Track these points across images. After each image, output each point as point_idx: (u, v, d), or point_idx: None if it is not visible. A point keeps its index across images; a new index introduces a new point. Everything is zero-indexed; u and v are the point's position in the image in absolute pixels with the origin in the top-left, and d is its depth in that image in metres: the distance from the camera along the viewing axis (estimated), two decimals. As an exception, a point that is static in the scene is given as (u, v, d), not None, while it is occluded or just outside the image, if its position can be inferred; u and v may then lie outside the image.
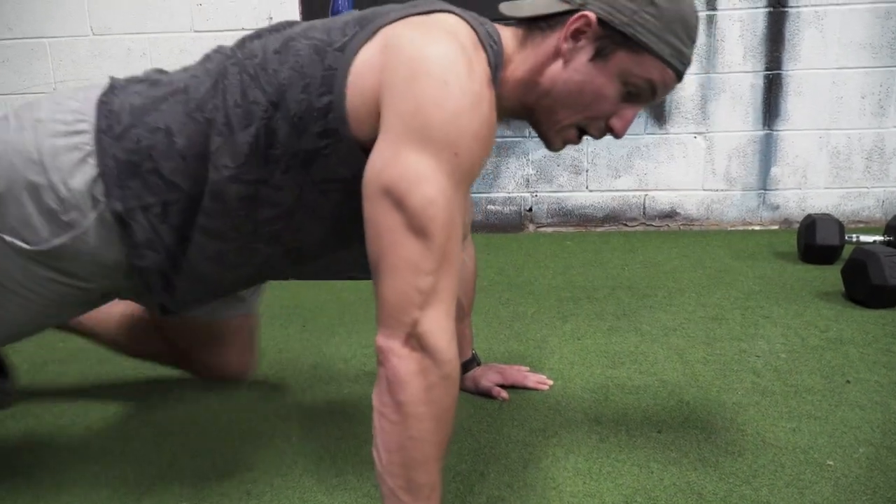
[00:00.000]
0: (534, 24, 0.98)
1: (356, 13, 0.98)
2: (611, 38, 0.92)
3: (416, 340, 0.82)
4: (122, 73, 1.11)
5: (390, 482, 0.84)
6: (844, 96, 2.77)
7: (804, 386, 1.38)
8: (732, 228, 2.89)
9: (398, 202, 0.82)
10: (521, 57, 0.98)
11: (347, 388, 1.46)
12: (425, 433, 0.83)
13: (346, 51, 0.91)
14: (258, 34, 1.01)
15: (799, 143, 2.82)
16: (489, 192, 2.97)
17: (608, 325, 1.78)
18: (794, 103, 2.79)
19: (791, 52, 2.76)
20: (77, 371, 1.61)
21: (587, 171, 2.91)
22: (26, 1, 2.95)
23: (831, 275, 2.11)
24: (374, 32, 0.92)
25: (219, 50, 1.03)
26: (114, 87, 1.02)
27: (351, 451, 1.21)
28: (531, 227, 2.99)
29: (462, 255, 0.88)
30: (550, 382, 1.44)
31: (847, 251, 2.27)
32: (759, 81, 2.79)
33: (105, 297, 1.11)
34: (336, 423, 1.31)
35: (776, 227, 2.87)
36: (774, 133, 2.82)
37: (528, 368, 1.48)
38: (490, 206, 2.99)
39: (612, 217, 2.94)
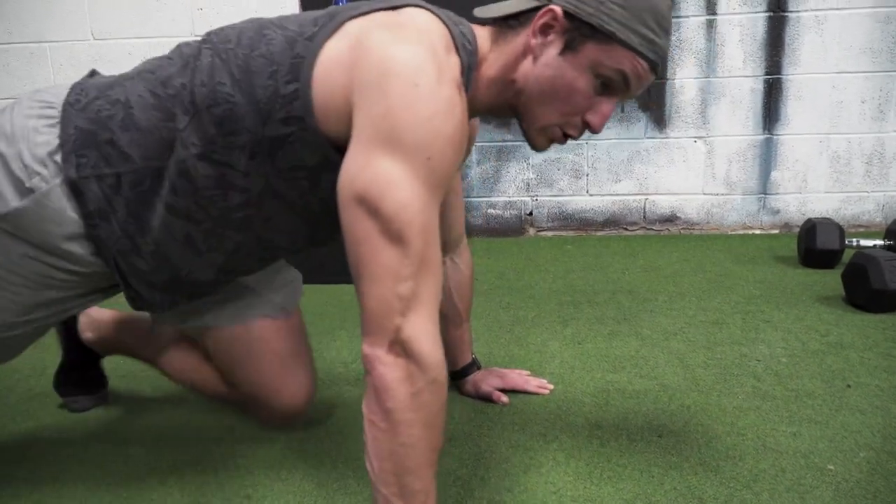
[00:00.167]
0: (504, 23, 0.99)
1: (333, 7, 0.99)
2: (579, 31, 0.93)
3: (400, 347, 0.82)
4: None
5: (384, 490, 0.84)
6: (844, 101, 2.77)
7: (805, 390, 1.38)
8: (733, 232, 2.89)
9: (372, 209, 0.82)
10: (493, 56, 0.99)
11: (348, 392, 1.46)
12: (415, 440, 0.83)
13: (314, 41, 0.92)
14: (238, 23, 1.02)
15: (799, 148, 2.82)
16: (489, 197, 2.97)
17: (609, 329, 1.78)
18: (794, 108, 2.80)
19: (791, 57, 2.77)
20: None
21: (587, 175, 2.92)
22: (26, 5, 2.95)
23: (832, 279, 2.11)
24: (340, 25, 0.92)
25: (200, 37, 1.02)
26: (94, 74, 1.06)
27: (352, 456, 1.21)
28: (531, 231, 2.99)
29: (442, 257, 0.87)
30: (551, 387, 1.44)
31: (847, 255, 2.27)
32: (759, 86, 2.80)
33: (93, 289, 1.08)
34: (337, 427, 1.31)
35: (776, 232, 2.88)
36: (774, 137, 2.82)
37: (528, 373, 1.48)
38: (490, 210, 2.99)
39: (612, 221, 2.94)
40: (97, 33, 2.95)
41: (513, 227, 2.99)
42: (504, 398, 1.38)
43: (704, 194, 2.89)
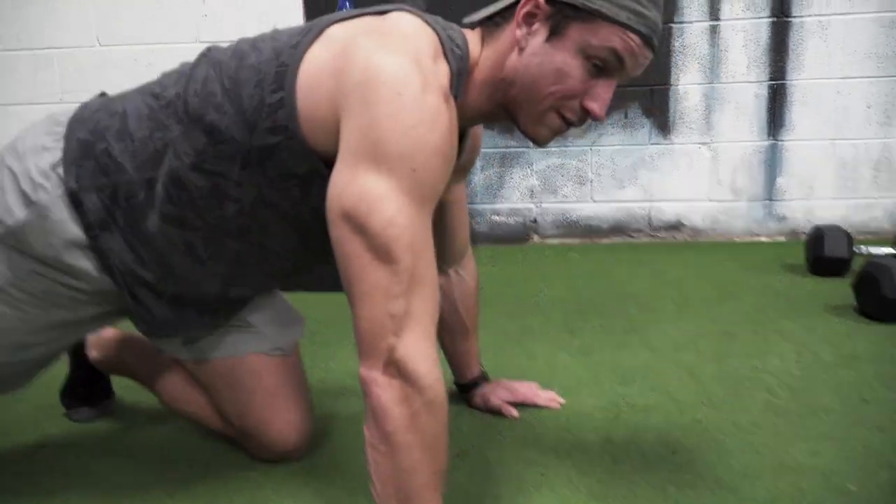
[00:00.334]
0: (491, 22, 0.98)
1: (331, 14, 0.98)
2: (562, 14, 0.90)
3: (394, 368, 0.80)
4: (127, 84, 1.15)
5: None
6: (850, 106, 2.75)
7: (820, 405, 1.36)
8: (739, 240, 2.87)
9: (359, 226, 0.80)
10: (483, 57, 0.97)
11: (355, 404, 1.44)
12: (416, 462, 0.81)
13: (298, 48, 0.91)
14: (238, 40, 1.02)
15: (805, 154, 2.80)
16: (493, 204, 2.96)
17: (617, 339, 1.76)
18: (799, 113, 2.78)
19: (795, 62, 2.75)
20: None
21: (592, 181, 2.90)
22: (33, 12, 2.94)
23: (841, 288, 2.09)
24: (322, 30, 0.91)
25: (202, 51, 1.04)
26: (103, 94, 1.08)
27: (360, 469, 1.18)
28: (536, 239, 2.97)
29: (439, 271, 0.85)
30: (562, 400, 1.42)
31: (856, 263, 2.25)
32: (764, 91, 2.78)
33: (101, 311, 1.07)
34: (346, 441, 1.29)
35: (783, 239, 2.86)
36: (780, 143, 2.81)
37: (537, 385, 1.45)
38: (494, 218, 2.97)
39: (617, 228, 2.92)
40: (103, 40, 2.94)
41: (517, 235, 2.97)
42: (514, 412, 1.36)
43: (710, 201, 2.87)
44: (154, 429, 1.39)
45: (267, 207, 0.97)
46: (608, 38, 0.89)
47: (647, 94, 2.80)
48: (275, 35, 0.97)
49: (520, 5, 0.93)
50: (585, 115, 0.95)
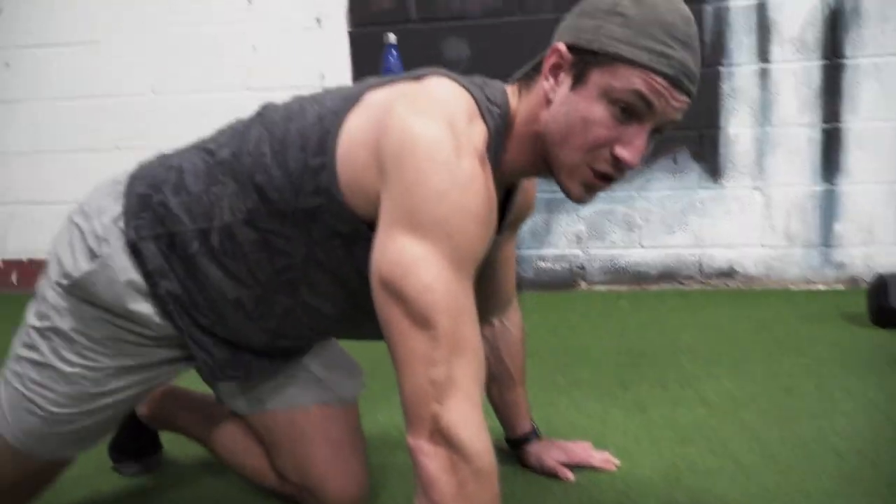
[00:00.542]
0: (526, 76, 0.99)
1: (368, 80, 1.01)
2: (584, 61, 0.90)
3: (440, 436, 0.79)
4: (180, 132, 1.19)
5: None
6: (910, 150, 2.67)
7: (895, 472, 1.28)
8: (795, 287, 2.77)
9: (397, 293, 0.80)
10: (520, 112, 0.98)
11: (403, 459, 1.40)
12: None
13: (339, 115, 0.93)
14: (290, 99, 1.05)
15: (863, 198, 2.72)
16: (540, 249, 2.92)
17: (672, 395, 1.70)
18: (855, 157, 2.70)
19: (850, 105, 2.69)
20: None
21: (640, 227, 2.85)
22: (89, 62, 3.06)
23: (908, 341, 2.00)
24: (361, 97, 0.93)
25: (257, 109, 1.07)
26: (161, 154, 1.12)
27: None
28: (583, 286, 2.92)
29: (479, 337, 0.84)
30: (617, 461, 1.36)
31: (923, 314, 2.15)
32: (817, 135, 2.72)
33: (166, 358, 1.08)
34: (395, 495, 1.26)
35: (842, 287, 2.75)
36: (836, 188, 2.73)
37: (591, 445, 1.40)
38: (541, 264, 2.93)
39: (667, 275, 2.86)
40: (157, 88, 3.03)
41: (564, 281, 2.92)
42: (570, 474, 1.31)
43: (763, 247, 2.79)
44: (202, 484, 1.37)
45: (315, 265, 0.98)
46: (630, 81, 0.88)
47: (695, 139, 2.76)
48: (322, 98, 1.00)
49: (546, 58, 0.94)
50: (618, 164, 0.92)
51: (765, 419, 1.53)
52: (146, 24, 3.01)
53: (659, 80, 0.88)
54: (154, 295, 1.01)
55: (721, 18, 2.70)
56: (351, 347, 1.28)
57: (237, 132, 1.03)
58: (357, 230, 0.92)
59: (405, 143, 0.83)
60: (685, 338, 2.16)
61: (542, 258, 2.93)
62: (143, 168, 1.08)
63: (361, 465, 1.21)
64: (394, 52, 2.34)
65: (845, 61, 2.67)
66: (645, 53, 0.87)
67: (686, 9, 0.90)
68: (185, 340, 1.05)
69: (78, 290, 1.01)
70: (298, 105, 1.00)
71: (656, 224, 2.84)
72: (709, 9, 2.70)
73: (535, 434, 1.38)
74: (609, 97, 0.89)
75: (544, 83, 0.94)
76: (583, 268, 2.91)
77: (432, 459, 0.79)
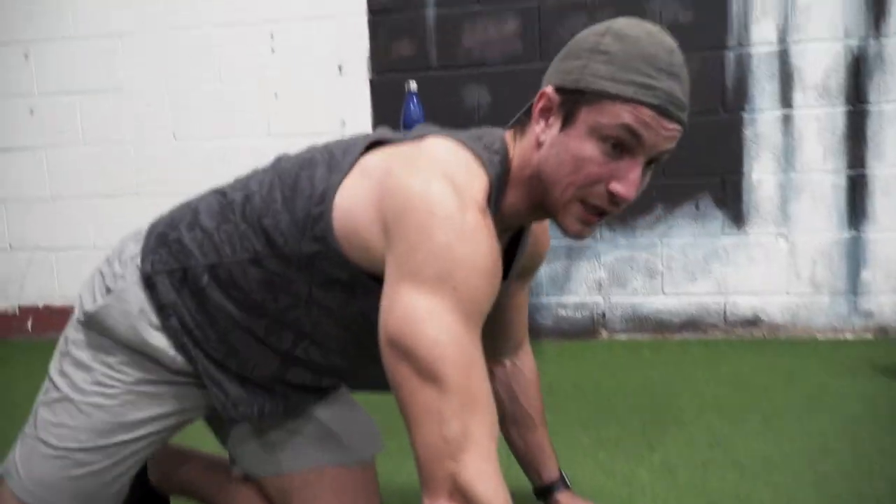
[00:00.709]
0: (520, 122, 1.00)
1: (380, 131, 1.04)
2: (571, 101, 0.91)
3: (459, 494, 0.76)
4: (202, 177, 1.21)
5: None
6: (938, 196, 2.62)
7: (943, 547, 1.22)
8: (822, 336, 2.71)
9: (403, 349, 0.80)
10: (516, 157, 0.99)
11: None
12: None
13: (343, 170, 0.95)
14: (305, 148, 1.08)
15: (890, 245, 2.66)
16: (559, 297, 2.88)
17: (702, 456, 1.64)
18: (882, 203, 2.65)
19: (875, 151, 2.65)
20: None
21: (662, 274, 2.80)
22: (110, 107, 3.09)
23: (945, 397, 1.93)
24: (357, 159, 0.96)
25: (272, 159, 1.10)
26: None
27: None
28: (604, 334, 2.87)
29: (490, 390, 0.82)
30: (646, 530, 1.31)
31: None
32: (842, 181, 2.68)
33: (184, 404, 1.08)
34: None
35: (870, 336, 2.68)
36: (862, 234, 2.68)
37: (619, 510, 1.35)
38: (561, 312, 2.89)
39: (690, 323, 2.80)
40: (179, 134, 3.06)
41: (585, 330, 2.88)
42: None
43: (788, 294, 2.73)
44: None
45: (318, 306, 0.99)
46: (618, 115, 0.88)
47: (718, 185, 2.73)
48: (330, 148, 1.02)
49: (535, 102, 0.95)
50: (614, 199, 0.92)
51: (799, 482, 1.47)
52: (168, 71, 3.06)
53: (646, 111, 0.88)
54: (167, 328, 1.02)
55: (743, 65, 2.69)
56: (368, 406, 1.24)
57: (252, 178, 1.06)
58: (355, 276, 0.93)
59: (407, 201, 0.84)
60: (712, 392, 2.10)
61: (563, 306, 2.89)
62: (168, 212, 1.12)
63: None
64: (415, 99, 2.35)
65: (869, 107, 2.64)
66: (630, 87, 0.87)
67: (669, 40, 0.91)
68: (199, 373, 1.05)
69: (95, 325, 1.04)
70: (310, 154, 1.03)
71: (679, 271, 2.80)
72: (730, 55, 2.69)
73: (563, 482, 1.34)
74: (599, 134, 0.89)
75: (535, 127, 0.95)
76: (604, 316, 2.86)
77: None
